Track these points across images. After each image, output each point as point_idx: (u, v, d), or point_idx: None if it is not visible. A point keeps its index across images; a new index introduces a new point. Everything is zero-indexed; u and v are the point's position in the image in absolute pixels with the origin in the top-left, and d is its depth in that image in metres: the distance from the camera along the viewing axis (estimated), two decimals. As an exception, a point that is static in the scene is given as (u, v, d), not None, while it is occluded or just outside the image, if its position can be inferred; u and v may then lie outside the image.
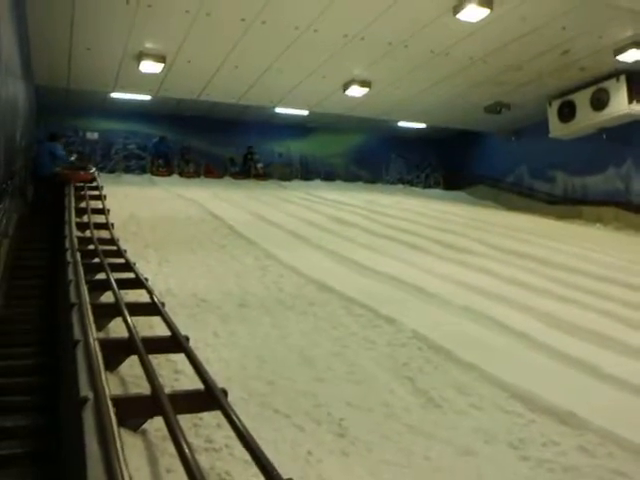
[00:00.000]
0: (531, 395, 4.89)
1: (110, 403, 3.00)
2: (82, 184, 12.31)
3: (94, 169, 14.14)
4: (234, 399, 3.84)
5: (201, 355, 4.32)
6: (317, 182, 21.55)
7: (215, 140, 21.37)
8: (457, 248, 10.62)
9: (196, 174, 20.35)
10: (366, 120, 20.55)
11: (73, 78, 15.85)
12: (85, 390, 3.20)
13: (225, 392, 3.47)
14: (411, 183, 24.16)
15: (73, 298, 4.92)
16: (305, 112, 19.82)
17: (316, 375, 5.34)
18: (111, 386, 3.36)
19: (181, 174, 20.11)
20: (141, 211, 12.50)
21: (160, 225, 11.43)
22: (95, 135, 20.10)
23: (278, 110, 19.46)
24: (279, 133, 22.05)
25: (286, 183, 20.74)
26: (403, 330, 6.43)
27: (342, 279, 8.36)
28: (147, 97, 17.91)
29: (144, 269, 7.19)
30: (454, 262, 9.70)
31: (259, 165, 21.23)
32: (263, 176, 20.99)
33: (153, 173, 19.73)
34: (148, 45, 13.93)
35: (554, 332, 6.53)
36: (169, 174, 19.81)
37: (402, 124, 21.65)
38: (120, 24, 12.51)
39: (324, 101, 18.37)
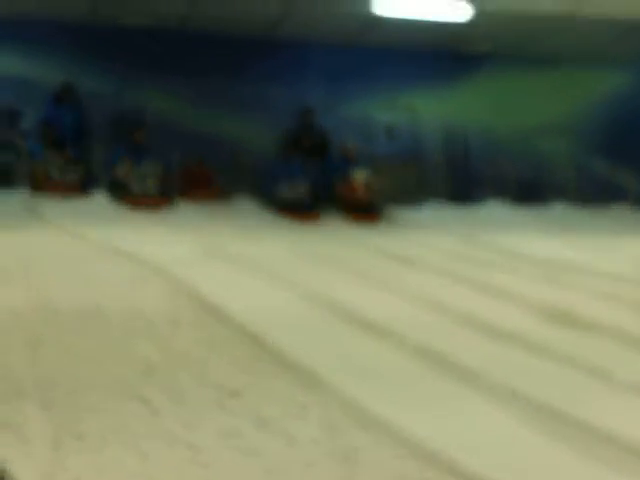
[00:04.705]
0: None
1: None
2: None
3: None
4: None
5: None
6: (495, 206, 9.85)
7: (209, 95, 9.49)
8: None
9: (162, 197, 8.65)
10: (634, 28, 9.28)
11: None
12: None
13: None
14: None
15: None
16: (463, 14, 9.16)
17: None
18: None
19: (120, 193, 8.62)
20: (6, 293, 4.93)
21: (56, 333, 4.24)
22: None
23: (381, 9, 8.95)
24: (386, 73, 9.99)
25: (403, 213, 9.23)
26: None
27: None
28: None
29: (17, 460, 2.29)
30: None
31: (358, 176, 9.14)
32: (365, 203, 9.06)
33: (39, 184, 8.54)
34: None
35: None
36: (83, 189, 8.61)
37: None
38: None
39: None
